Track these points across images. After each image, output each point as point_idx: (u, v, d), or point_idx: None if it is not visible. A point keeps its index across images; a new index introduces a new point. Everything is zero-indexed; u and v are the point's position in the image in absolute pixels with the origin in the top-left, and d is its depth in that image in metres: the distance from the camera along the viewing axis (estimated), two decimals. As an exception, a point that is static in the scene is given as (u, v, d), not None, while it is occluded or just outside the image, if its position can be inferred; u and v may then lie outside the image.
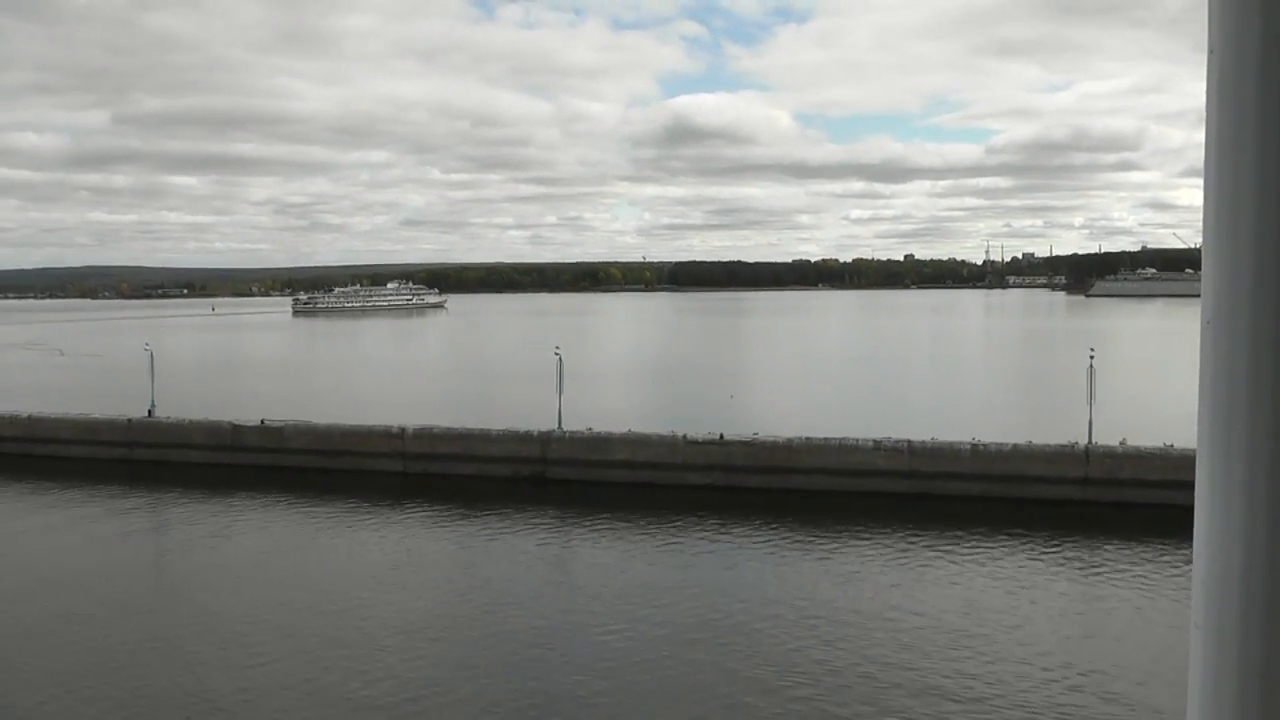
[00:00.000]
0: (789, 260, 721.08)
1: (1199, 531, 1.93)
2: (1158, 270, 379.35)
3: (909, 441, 41.73)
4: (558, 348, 47.98)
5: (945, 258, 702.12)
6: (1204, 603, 1.91)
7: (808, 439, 43.00)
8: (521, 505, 41.56)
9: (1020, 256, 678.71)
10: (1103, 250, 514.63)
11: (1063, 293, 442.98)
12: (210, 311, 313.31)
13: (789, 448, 42.76)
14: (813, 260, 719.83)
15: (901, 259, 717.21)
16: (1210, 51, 1.90)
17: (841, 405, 63.17)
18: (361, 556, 34.65)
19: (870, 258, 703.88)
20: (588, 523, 38.67)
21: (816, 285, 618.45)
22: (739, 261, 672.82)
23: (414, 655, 25.34)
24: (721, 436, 43.82)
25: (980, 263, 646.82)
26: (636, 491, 43.06)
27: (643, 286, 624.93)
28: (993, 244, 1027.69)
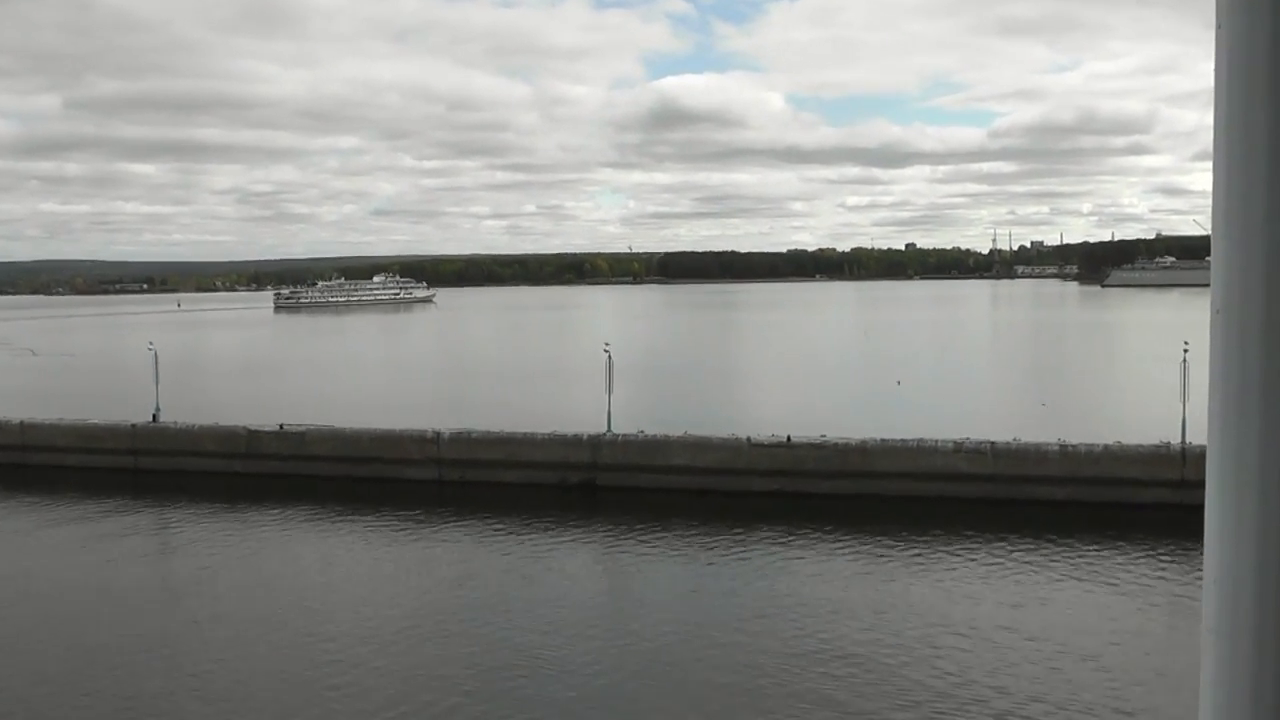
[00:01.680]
0: (783, 250, 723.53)
1: (1209, 529, 1.90)
2: (1176, 259, 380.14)
3: (992, 443, 41.23)
4: (607, 344, 47.19)
5: (949, 246, 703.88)
6: (1216, 604, 1.88)
7: (883, 441, 42.44)
8: (571, 515, 40.99)
9: (1029, 245, 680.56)
10: (1115, 238, 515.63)
11: (1075, 283, 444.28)
12: (176, 308, 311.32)
13: (863, 450, 42.15)
14: (809, 250, 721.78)
15: (902, 248, 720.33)
16: (1218, 26, 1.87)
17: (881, 405, 62.83)
18: (405, 579, 33.38)
19: (869, 247, 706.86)
20: (645, 534, 38.00)
21: (814, 276, 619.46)
22: (732, 252, 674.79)
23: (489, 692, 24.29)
24: (789, 439, 43.24)
25: (986, 252, 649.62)
26: (696, 499, 42.39)
27: (631, 279, 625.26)
28: (999, 232, 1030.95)
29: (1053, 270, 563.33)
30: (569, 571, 33.81)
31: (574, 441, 45.23)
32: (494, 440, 46.09)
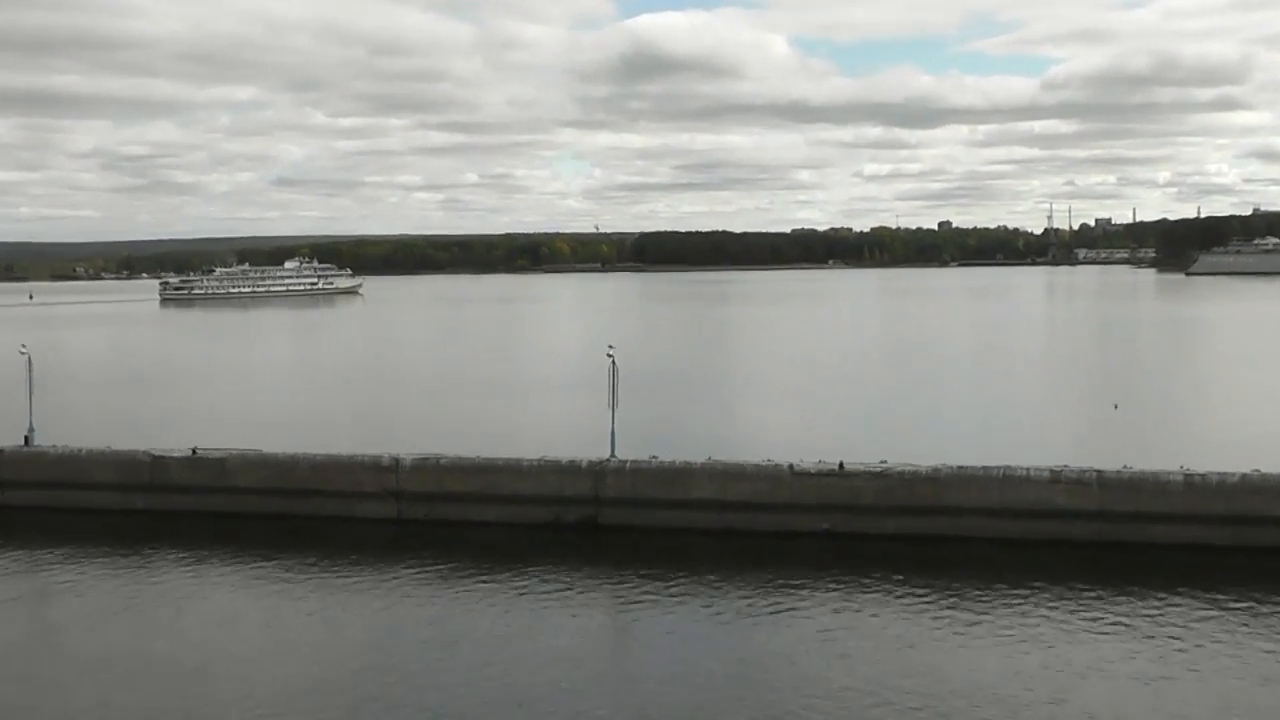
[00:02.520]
0: (786, 230, 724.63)
1: None
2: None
3: (1098, 472, 41.27)
4: (611, 347, 46.98)
5: (992, 225, 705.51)
6: None
7: (959, 469, 42.38)
8: (568, 562, 40.67)
9: (1093, 223, 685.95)
10: (1201, 214, 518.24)
11: (1151, 270, 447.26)
12: (27, 300, 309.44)
13: (934, 480, 42.08)
14: (818, 230, 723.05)
15: (935, 227, 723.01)
16: None
17: (946, 423, 63.00)
18: (355, 648, 32.67)
19: (893, 226, 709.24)
20: (662, 586, 37.81)
21: (826, 262, 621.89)
22: (723, 232, 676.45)
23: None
24: (841, 466, 43.16)
25: (1040, 232, 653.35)
26: (724, 541, 42.40)
27: (599, 265, 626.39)
28: (1055, 208, 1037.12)
29: (1123, 254, 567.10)
30: (566, 636, 33.28)
31: (570, 469, 44.97)
32: (468, 468, 45.74)
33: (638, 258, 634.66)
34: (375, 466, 46.46)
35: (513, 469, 45.41)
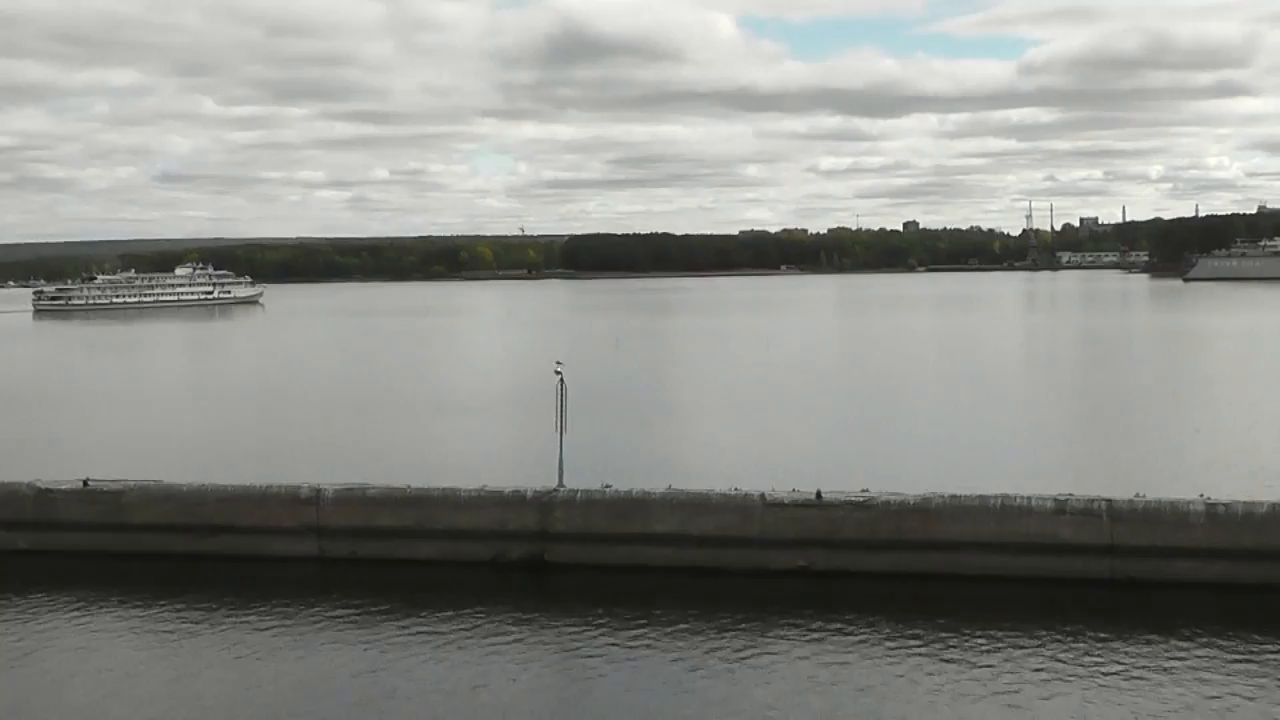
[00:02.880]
0: (733, 231, 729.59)
1: None
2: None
3: (1108, 502, 41.29)
4: (559, 364, 46.75)
5: (965, 226, 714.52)
6: None
7: (952, 499, 42.44)
8: (512, 605, 40.40)
9: (1077, 223, 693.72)
10: (1200, 213, 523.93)
11: (1143, 275, 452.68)
12: None
13: (924, 511, 42.13)
14: (770, 232, 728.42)
15: (900, 229, 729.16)
16: None
17: (923, 445, 63.28)
18: (259, 702, 32.34)
19: (853, 227, 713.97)
20: (618, 632, 37.63)
21: (779, 268, 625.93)
22: (664, 234, 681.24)
23: None
24: (819, 495, 43.09)
25: (1018, 233, 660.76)
26: (688, 580, 42.27)
27: (525, 271, 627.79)
28: (1035, 206, 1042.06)
29: (1112, 258, 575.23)
30: (513, 691, 32.99)
31: (514, 501, 44.70)
32: (399, 500, 45.43)
33: (568, 263, 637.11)
34: (293, 499, 45.99)
35: (449, 500, 45.09)
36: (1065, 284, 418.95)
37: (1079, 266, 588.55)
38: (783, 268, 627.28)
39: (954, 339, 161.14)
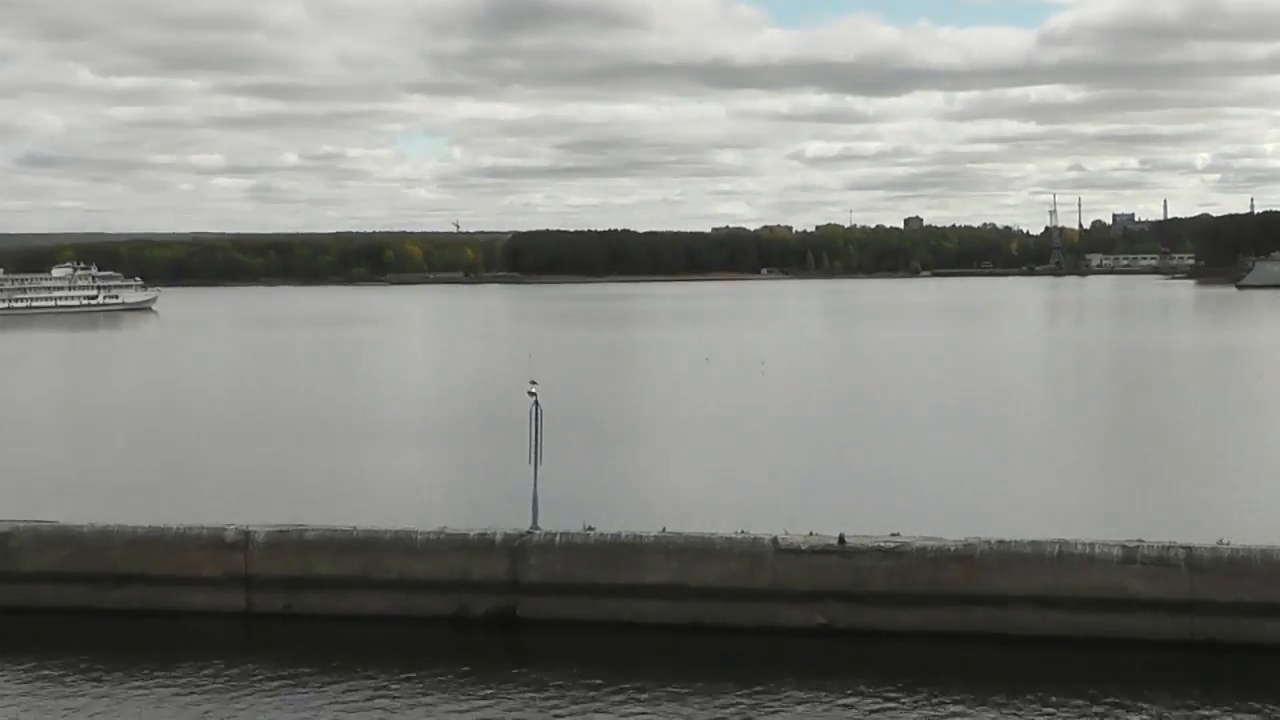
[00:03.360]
0: (705, 229, 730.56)
1: None
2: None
3: (1187, 549, 41.13)
4: (534, 384, 46.45)
5: (976, 223, 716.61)
6: None
7: (1000, 544, 42.26)
8: (477, 669, 40.08)
9: (1110, 220, 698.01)
10: (1256, 209, 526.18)
11: (1188, 281, 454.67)
12: None
13: (966, 559, 42.00)
14: (748, 229, 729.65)
15: (901, 226, 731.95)
16: None
17: (954, 481, 63.20)
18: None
19: (845, 224, 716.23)
20: (601, 701, 37.37)
21: (759, 271, 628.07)
22: (622, 231, 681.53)
23: None
24: (841, 539, 42.91)
25: (1040, 232, 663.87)
26: (686, 640, 42.04)
27: (461, 274, 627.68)
28: (1059, 200, 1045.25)
29: (1150, 260, 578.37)
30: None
31: (480, 545, 44.43)
32: (343, 544, 45.12)
33: (511, 265, 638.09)
34: (216, 543, 45.57)
35: (403, 545, 44.76)
36: (1095, 291, 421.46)
37: (1111, 271, 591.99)
38: (763, 271, 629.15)
39: (971, 356, 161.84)
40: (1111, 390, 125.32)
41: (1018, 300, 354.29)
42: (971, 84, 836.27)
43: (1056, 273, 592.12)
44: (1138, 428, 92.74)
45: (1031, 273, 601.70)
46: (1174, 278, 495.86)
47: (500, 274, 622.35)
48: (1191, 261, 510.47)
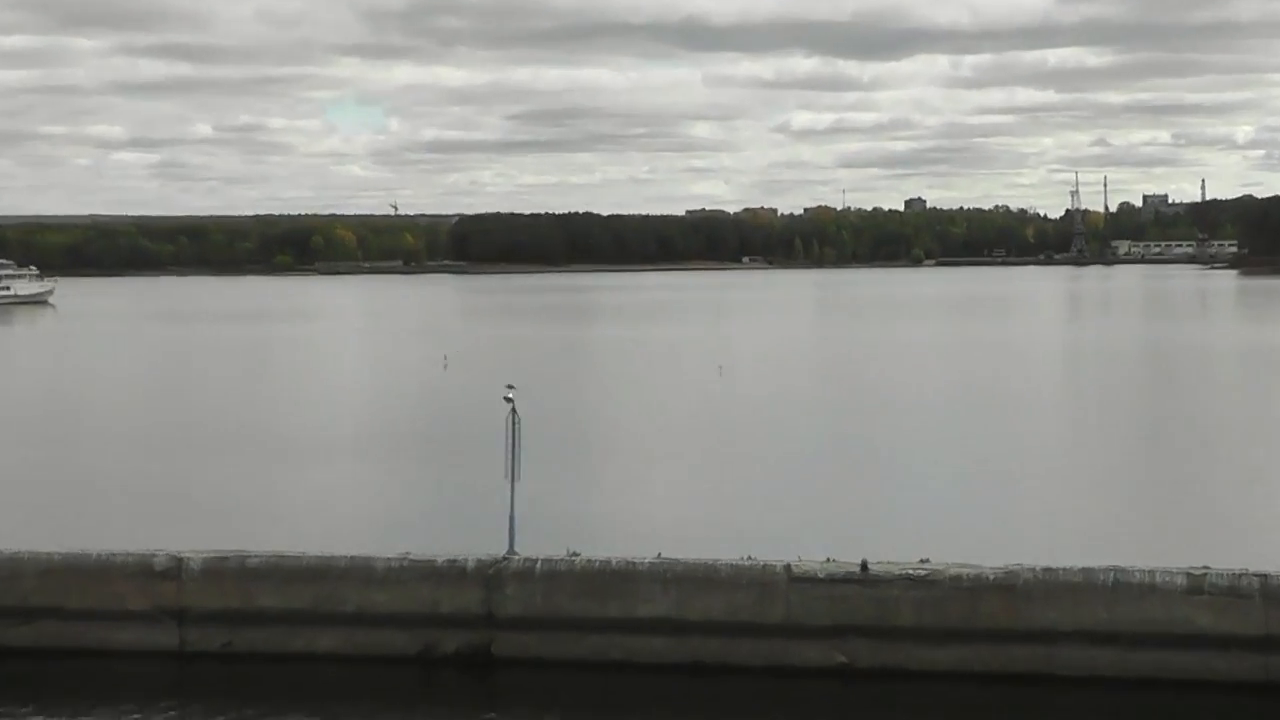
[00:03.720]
0: (679, 212, 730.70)
1: None
2: None
3: (1262, 577, 41.07)
4: (511, 388, 46.23)
5: (987, 205, 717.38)
6: None
7: (1045, 571, 42.15)
8: (444, 714, 40.97)
9: (1140, 202, 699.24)
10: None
11: (1229, 271, 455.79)
12: None
13: (1008, 589, 41.93)
14: (727, 211, 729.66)
15: (901, 208, 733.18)
16: None
17: (985, 497, 63.37)
18: None
19: (838, 206, 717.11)
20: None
21: (740, 260, 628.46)
22: (584, 214, 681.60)
23: None
24: (864, 566, 42.82)
25: (1060, 215, 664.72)
26: (684, 682, 42.13)
27: (400, 263, 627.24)
28: (1082, 179, 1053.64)
29: (1186, 248, 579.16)
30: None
31: (449, 573, 44.27)
32: (292, 572, 44.89)
33: (457, 253, 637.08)
34: (144, 571, 45.23)
35: (361, 573, 44.55)
36: (1123, 282, 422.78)
37: (1141, 260, 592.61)
38: (745, 260, 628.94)
39: (987, 356, 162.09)
40: (1153, 396, 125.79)
41: (1035, 293, 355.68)
42: (981, 46, 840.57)
43: (1079, 261, 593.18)
44: (1189, 438, 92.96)
45: (1050, 261, 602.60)
46: (1213, 267, 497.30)
47: (445, 263, 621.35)
48: (1233, 249, 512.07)
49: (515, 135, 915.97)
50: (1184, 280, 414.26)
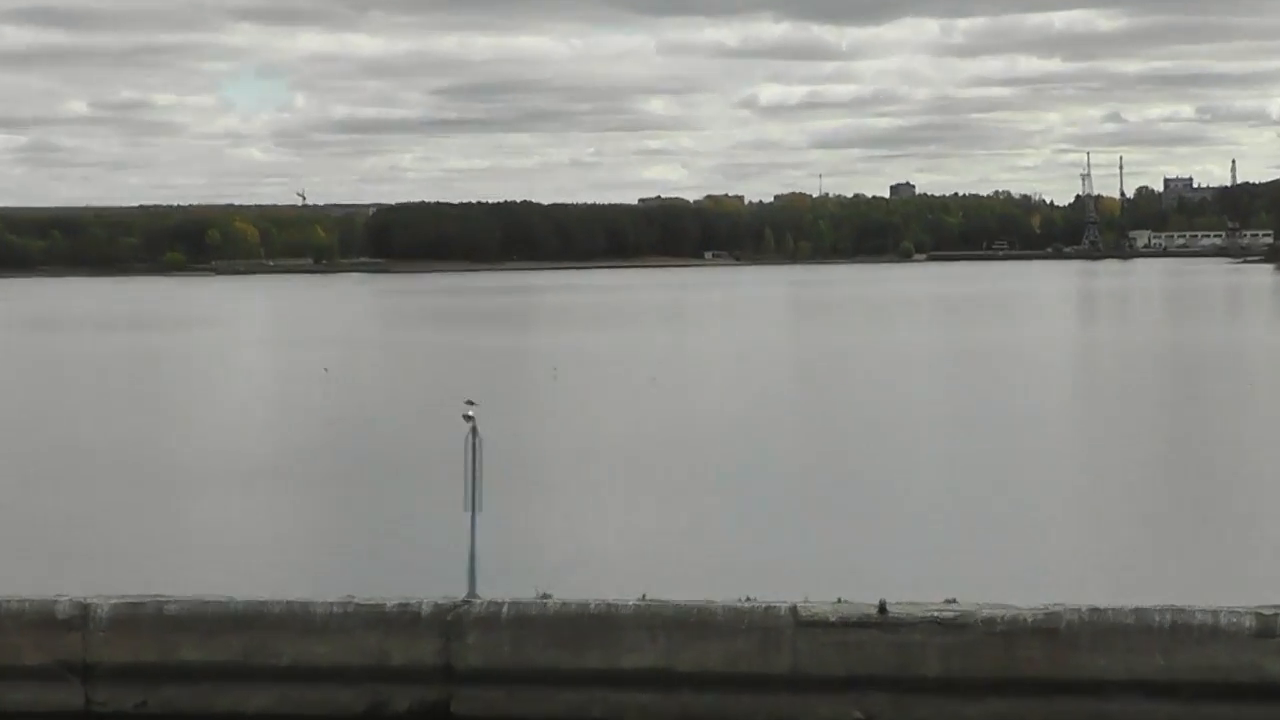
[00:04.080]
0: (631, 200, 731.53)
1: None
2: None
3: (1342, 616, 41.16)
4: (471, 405, 46.14)
5: (985, 191, 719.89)
6: None
7: (1092, 611, 42.14)
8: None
9: (1162, 187, 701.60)
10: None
11: (1265, 265, 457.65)
12: None
13: (1050, 633, 41.92)
14: (687, 199, 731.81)
15: (886, 195, 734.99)
16: None
17: (1014, 529, 63.53)
18: None
19: (813, 193, 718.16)
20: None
21: (702, 255, 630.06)
22: (521, 204, 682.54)
23: None
24: (882, 607, 42.71)
25: (1069, 202, 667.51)
26: None
27: (310, 261, 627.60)
28: (1093, 159, 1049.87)
29: (1214, 239, 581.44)
30: None
31: (400, 619, 44.08)
32: (217, 619, 44.64)
33: (376, 249, 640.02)
34: (44, 620, 44.93)
35: (298, 620, 44.29)
36: (1143, 279, 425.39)
37: (1164, 253, 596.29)
38: (708, 255, 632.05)
39: (995, 364, 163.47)
40: (1188, 412, 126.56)
41: (1043, 292, 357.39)
42: (977, 9, 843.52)
43: (1092, 255, 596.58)
44: (1235, 459, 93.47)
45: (1059, 255, 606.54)
46: (1246, 261, 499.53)
47: (362, 260, 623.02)
48: (1269, 240, 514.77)
49: (441, 113, 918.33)
50: (1213, 277, 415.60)
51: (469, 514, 46.00)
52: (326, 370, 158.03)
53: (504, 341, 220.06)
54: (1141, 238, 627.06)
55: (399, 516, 58.61)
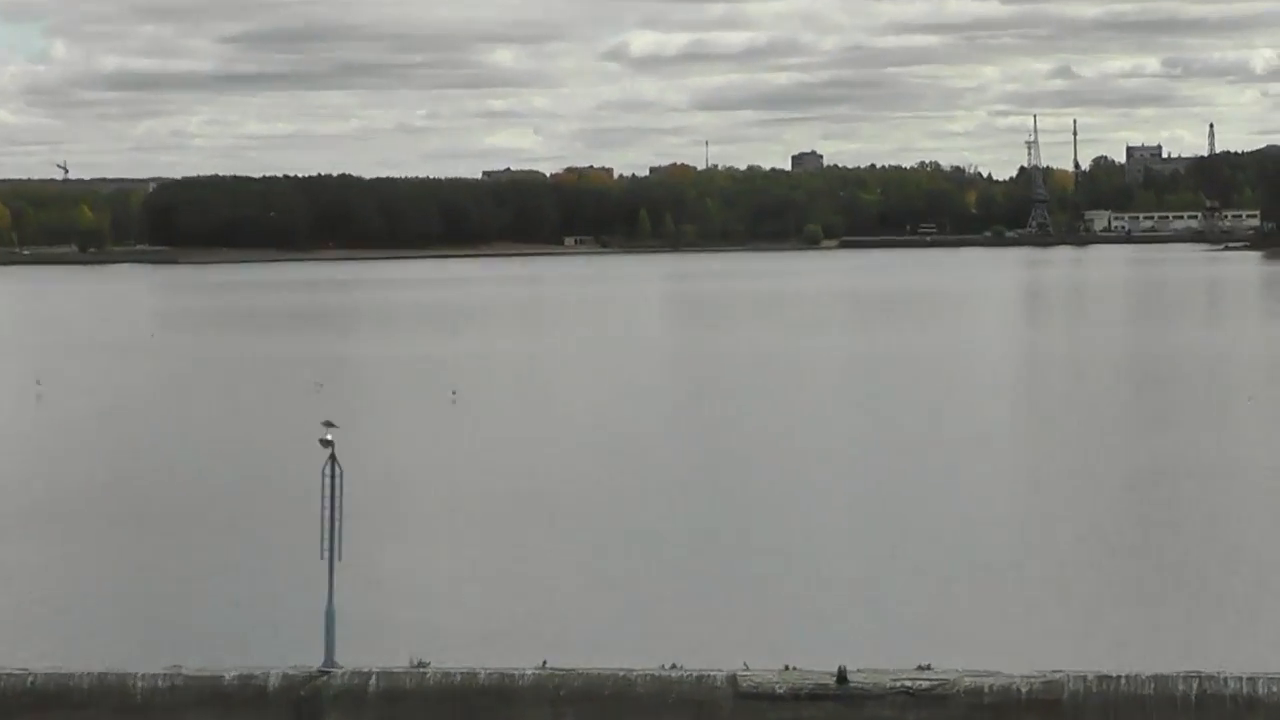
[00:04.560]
0: (475, 174, 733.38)
1: None
2: None
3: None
4: (330, 426, 45.33)
5: (908, 162, 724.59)
6: None
7: (1101, 679, 41.81)
8: None
9: (1123, 157, 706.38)
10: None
11: (1248, 251, 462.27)
12: None
13: (1051, 706, 41.62)
14: (541, 173, 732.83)
15: (788, 167, 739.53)
16: None
17: (987, 574, 63.95)
18: None
19: (699, 165, 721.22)
20: None
21: (561, 242, 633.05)
22: (338, 177, 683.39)
23: None
24: (841, 675, 42.21)
25: (1011, 175, 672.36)
26: None
27: (75, 248, 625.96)
28: (1041, 125, 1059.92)
29: (1189, 220, 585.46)
30: None
31: (243, 694, 43.50)
32: (15, 695, 43.91)
33: (157, 233, 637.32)
34: None
35: (113, 696, 43.68)
36: (1103, 271, 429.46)
37: (1128, 238, 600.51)
38: (570, 241, 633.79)
39: (924, 381, 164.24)
40: (1176, 437, 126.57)
41: (980, 287, 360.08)
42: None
43: (1041, 241, 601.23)
44: (1239, 494, 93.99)
45: (1001, 241, 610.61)
46: (1228, 248, 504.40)
47: (139, 248, 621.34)
48: (1253, 221, 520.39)
49: (235, 65, 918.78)
50: (1188, 267, 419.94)
51: (326, 562, 45.29)
52: (39, 383, 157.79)
53: (320, 349, 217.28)
54: (1100, 219, 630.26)
55: (236, 568, 58.35)
